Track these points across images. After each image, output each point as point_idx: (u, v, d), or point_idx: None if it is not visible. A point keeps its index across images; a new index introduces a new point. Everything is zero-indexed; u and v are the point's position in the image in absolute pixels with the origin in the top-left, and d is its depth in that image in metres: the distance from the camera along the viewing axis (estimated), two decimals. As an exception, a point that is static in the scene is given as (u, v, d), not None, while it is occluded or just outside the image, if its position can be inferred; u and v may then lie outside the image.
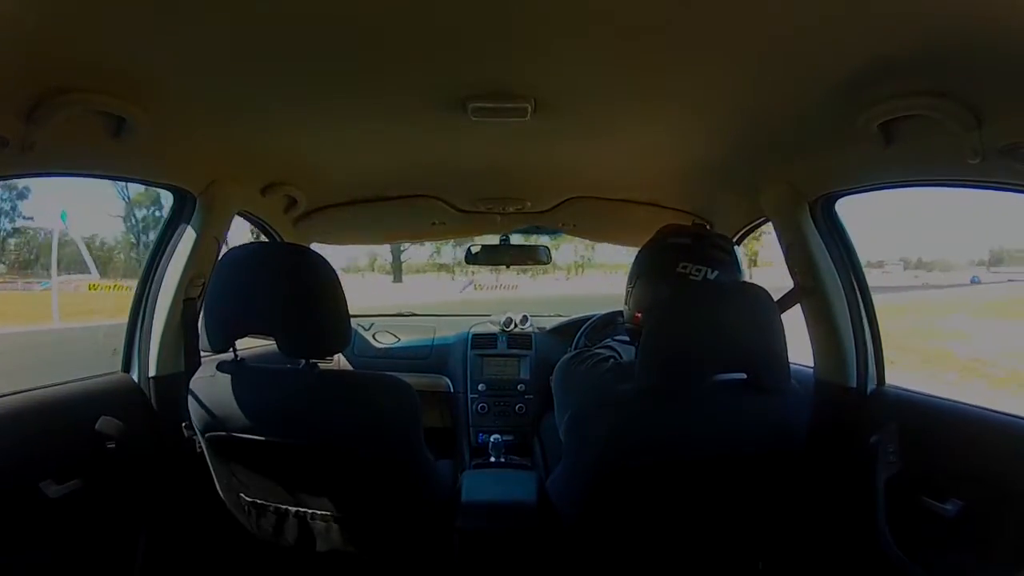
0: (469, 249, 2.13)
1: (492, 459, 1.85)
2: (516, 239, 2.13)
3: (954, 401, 1.12)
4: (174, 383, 1.32)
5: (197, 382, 1.08)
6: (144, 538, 1.22)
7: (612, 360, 1.06)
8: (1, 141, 0.82)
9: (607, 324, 2.09)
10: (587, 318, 2.16)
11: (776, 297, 1.03)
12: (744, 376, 0.95)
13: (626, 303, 1.10)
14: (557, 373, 1.16)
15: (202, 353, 1.35)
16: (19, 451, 1.00)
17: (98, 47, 0.77)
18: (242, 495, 1.11)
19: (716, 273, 0.99)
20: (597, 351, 1.17)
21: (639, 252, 1.10)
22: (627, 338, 1.18)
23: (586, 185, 1.73)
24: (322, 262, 1.00)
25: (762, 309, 0.94)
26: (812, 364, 1.38)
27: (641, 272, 1.06)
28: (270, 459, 1.03)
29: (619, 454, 0.94)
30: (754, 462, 0.97)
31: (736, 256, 1.04)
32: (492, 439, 1.89)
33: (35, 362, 3.83)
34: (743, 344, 0.92)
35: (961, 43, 0.71)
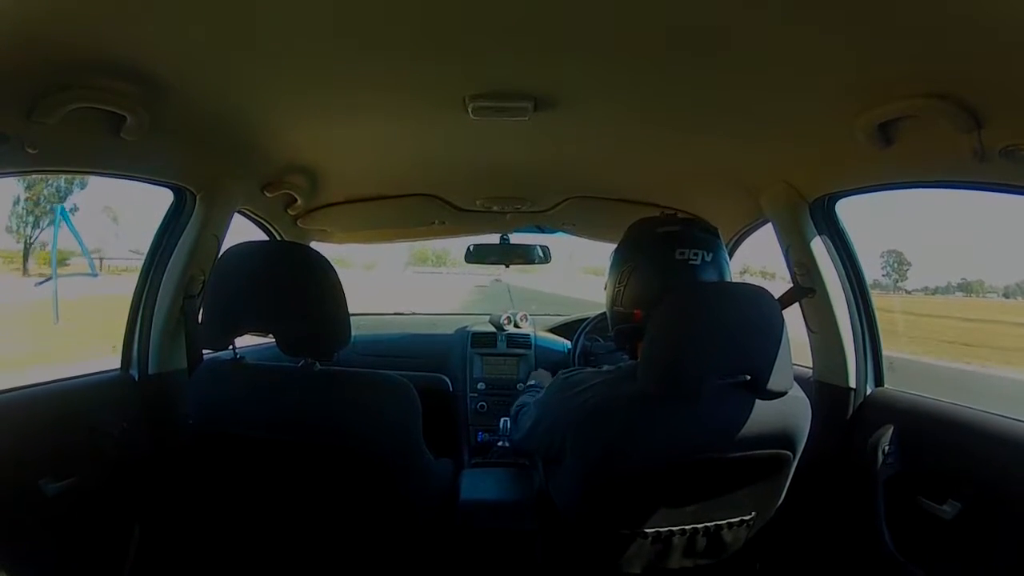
0: (468, 248, 2.13)
1: (500, 443, 1.84)
2: (515, 238, 2.13)
3: (953, 403, 1.12)
4: (173, 380, 1.32)
5: (196, 380, 1.08)
6: (138, 535, 1.22)
7: (607, 367, 1.05)
8: (1, 138, 0.82)
9: (605, 324, 2.10)
10: (586, 318, 2.17)
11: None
12: (747, 378, 0.95)
13: (616, 303, 1.06)
14: (553, 389, 1.06)
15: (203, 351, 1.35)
16: (18, 448, 1.00)
17: (99, 45, 0.77)
18: (240, 493, 1.11)
19: (711, 255, 1.00)
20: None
21: (623, 247, 1.06)
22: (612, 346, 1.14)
23: (586, 185, 1.73)
24: (322, 260, 1.00)
25: (766, 311, 0.94)
26: (811, 365, 1.39)
27: (635, 266, 1.03)
28: (269, 457, 1.03)
29: (622, 455, 0.94)
30: (754, 463, 0.97)
31: (721, 240, 1.05)
32: (502, 421, 1.88)
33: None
34: (747, 347, 0.92)
35: (961, 45, 0.71)
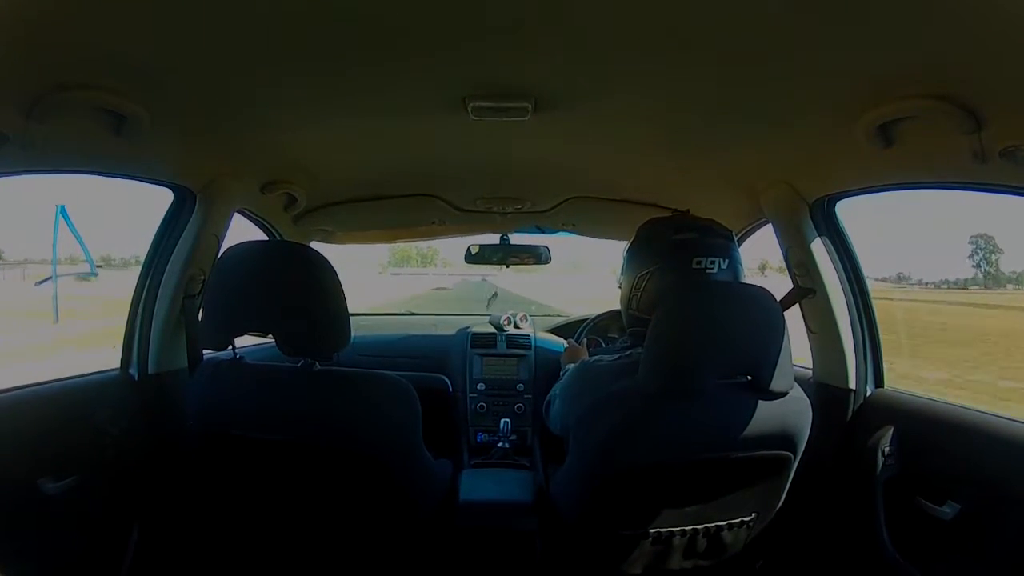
0: (468, 249, 2.13)
1: (500, 443, 1.85)
2: (515, 238, 2.13)
3: (952, 404, 1.13)
4: (173, 380, 1.32)
5: (196, 379, 1.08)
6: (137, 535, 1.22)
7: (612, 357, 1.06)
8: (1, 138, 0.82)
9: (606, 324, 2.10)
10: (586, 318, 2.17)
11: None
12: (748, 378, 0.95)
13: (631, 307, 1.07)
14: (571, 379, 1.11)
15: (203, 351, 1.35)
16: (18, 448, 1.00)
17: (100, 44, 0.77)
18: (239, 492, 1.11)
19: (727, 262, 1.01)
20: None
21: (638, 250, 1.07)
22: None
23: (586, 185, 1.73)
24: (322, 260, 1.00)
25: (767, 312, 0.95)
26: (811, 366, 1.39)
27: (652, 273, 1.04)
28: (268, 457, 1.03)
29: (620, 453, 0.94)
30: (755, 463, 0.97)
31: (735, 242, 1.06)
32: (502, 422, 1.89)
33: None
34: (747, 347, 0.92)
35: (961, 46, 0.71)
